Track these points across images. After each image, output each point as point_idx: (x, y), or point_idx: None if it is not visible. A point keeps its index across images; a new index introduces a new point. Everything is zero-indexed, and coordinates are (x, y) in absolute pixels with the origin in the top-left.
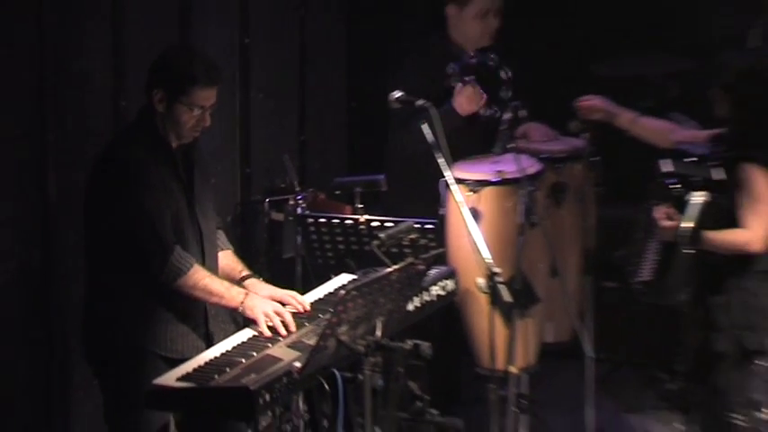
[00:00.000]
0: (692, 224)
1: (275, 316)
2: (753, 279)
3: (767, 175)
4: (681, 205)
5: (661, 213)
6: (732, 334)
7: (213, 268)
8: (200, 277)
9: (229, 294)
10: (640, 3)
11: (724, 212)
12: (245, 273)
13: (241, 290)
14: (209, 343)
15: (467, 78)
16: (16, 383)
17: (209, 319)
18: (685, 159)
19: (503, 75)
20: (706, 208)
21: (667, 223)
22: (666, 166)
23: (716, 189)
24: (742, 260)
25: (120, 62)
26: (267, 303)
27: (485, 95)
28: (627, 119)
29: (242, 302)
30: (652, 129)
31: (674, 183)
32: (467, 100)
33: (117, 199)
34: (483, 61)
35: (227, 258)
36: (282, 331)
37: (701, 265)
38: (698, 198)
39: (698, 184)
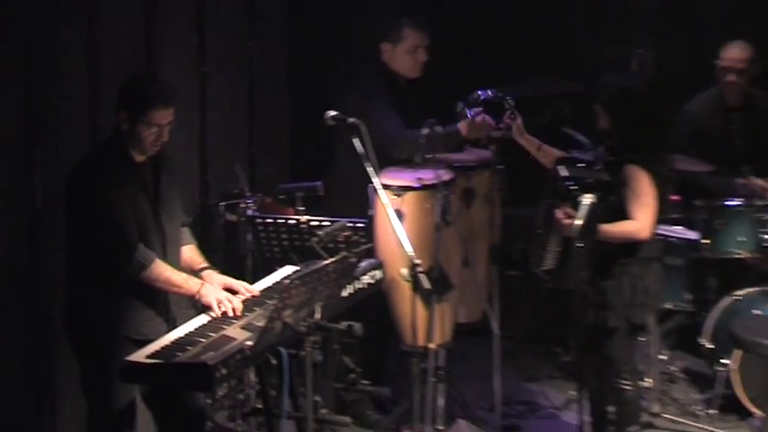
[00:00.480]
0: (581, 222)
1: (226, 301)
2: (638, 264)
3: (645, 174)
4: (576, 204)
5: (562, 213)
6: (622, 312)
7: (175, 264)
8: (161, 270)
9: (187, 284)
10: (537, 33)
11: (614, 208)
12: (204, 265)
13: (198, 280)
14: (172, 326)
15: (475, 110)
16: (10, 361)
17: (171, 306)
18: (578, 165)
19: (506, 105)
20: (595, 207)
21: (566, 221)
22: (563, 171)
23: (605, 189)
24: (629, 248)
25: (95, 87)
26: (220, 292)
27: (493, 123)
28: (534, 145)
29: (198, 291)
30: (551, 155)
31: (571, 185)
32: (475, 128)
33: (88, 211)
34: (488, 97)
35: (190, 252)
36: (231, 314)
37: (595, 253)
38: (587, 199)
39: (590, 185)
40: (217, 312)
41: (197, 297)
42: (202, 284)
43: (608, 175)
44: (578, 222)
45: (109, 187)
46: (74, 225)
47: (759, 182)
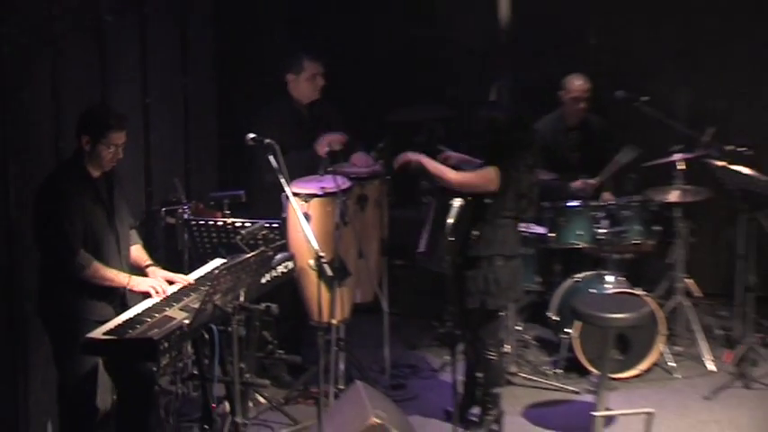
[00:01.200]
0: (452, 221)
1: (157, 285)
2: (497, 259)
3: (499, 171)
4: (448, 207)
5: None
6: (477, 297)
7: (126, 258)
8: (96, 269)
9: (118, 278)
10: (417, 68)
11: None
12: (149, 261)
13: (126, 274)
14: (126, 309)
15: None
16: None
17: (126, 294)
18: None
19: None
20: (463, 209)
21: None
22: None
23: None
24: (490, 245)
25: (57, 115)
26: (148, 280)
27: (342, 138)
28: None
29: (128, 283)
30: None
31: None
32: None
33: (46, 219)
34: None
35: (137, 251)
36: (162, 296)
37: (463, 246)
38: (456, 202)
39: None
40: (153, 295)
41: (129, 288)
42: (130, 277)
43: None
44: (450, 221)
45: (64, 202)
46: (36, 231)
47: (591, 182)
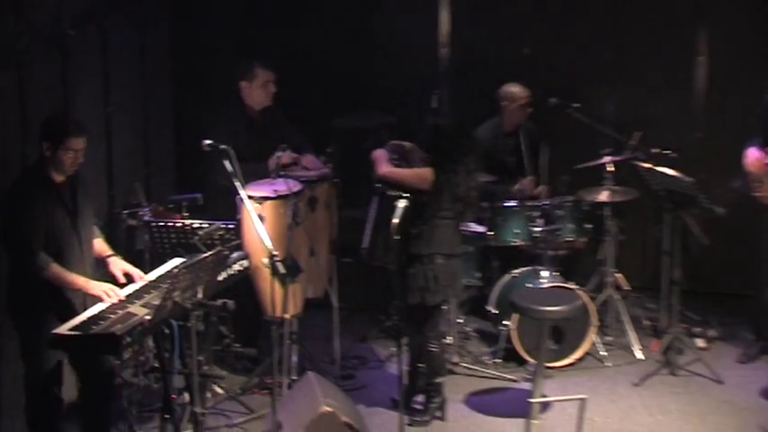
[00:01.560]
0: (397, 220)
1: (110, 291)
2: (436, 258)
3: (435, 173)
4: (393, 208)
5: None
6: (418, 294)
7: (90, 259)
8: (56, 271)
9: (77, 281)
10: (361, 76)
11: (420, 209)
12: (110, 252)
13: (84, 278)
14: (88, 307)
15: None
16: None
17: (85, 294)
18: None
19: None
20: (407, 210)
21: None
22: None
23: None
24: (430, 244)
25: (24, 123)
26: (103, 285)
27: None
28: None
29: (85, 286)
30: None
31: (388, 192)
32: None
33: (9, 222)
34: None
35: (99, 244)
36: (115, 300)
37: (405, 245)
38: (401, 203)
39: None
40: (105, 299)
41: (85, 290)
42: (87, 281)
43: None
44: (395, 221)
45: (26, 206)
46: (1, 233)
47: (527, 181)
